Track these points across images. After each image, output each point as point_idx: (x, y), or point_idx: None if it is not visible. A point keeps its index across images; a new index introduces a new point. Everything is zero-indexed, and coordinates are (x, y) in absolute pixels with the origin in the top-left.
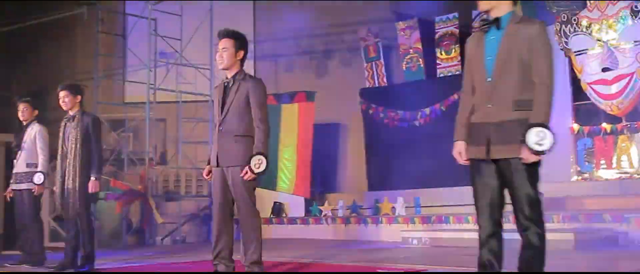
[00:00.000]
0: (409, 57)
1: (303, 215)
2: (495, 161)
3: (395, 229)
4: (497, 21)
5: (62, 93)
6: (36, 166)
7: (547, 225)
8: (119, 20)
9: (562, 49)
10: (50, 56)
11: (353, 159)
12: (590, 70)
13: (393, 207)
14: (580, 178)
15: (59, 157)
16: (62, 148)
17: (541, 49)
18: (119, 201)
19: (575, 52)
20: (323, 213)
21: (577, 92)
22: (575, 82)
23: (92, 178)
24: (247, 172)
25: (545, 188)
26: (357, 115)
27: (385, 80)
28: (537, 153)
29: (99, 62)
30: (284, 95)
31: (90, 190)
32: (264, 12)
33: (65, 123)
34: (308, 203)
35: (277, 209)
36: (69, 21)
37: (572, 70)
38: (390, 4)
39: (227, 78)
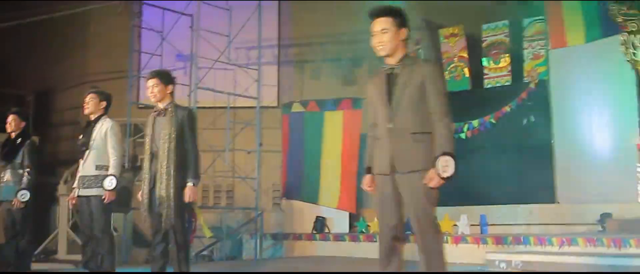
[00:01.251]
0: (453, 65)
1: (347, 230)
2: None
3: (465, 249)
4: None
5: (150, 82)
6: (107, 169)
7: (629, 250)
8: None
9: (629, 61)
10: (60, 54)
11: None
12: None
13: (455, 225)
14: None
15: (146, 159)
16: (151, 147)
17: None
18: None
19: None
20: (372, 230)
21: None
22: None
23: (189, 184)
24: (432, 178)
25: (612, 208)
26: None
27: None
28: None
29: (134, 58)
30: (328, 101)
31: (186, 199)
32: (289, 15)
33: (154, 118)
34: (352, 219)
35: (320, 224)
36: (80, 18)
37: (639, 84)
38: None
39: (387, 65)
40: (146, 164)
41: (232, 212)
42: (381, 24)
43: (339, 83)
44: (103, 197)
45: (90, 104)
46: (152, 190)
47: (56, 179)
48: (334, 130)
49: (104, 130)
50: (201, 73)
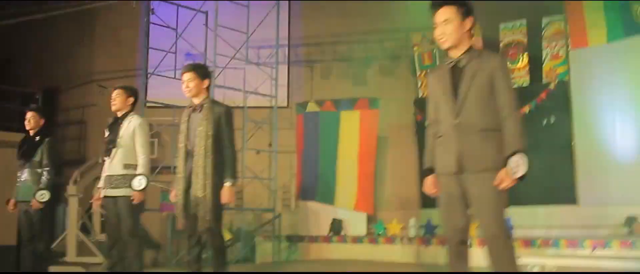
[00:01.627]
0: None
1: (364, 233)
2: None
3: None
4: None
5: (186, 76)
6: (135, 168)
7: None
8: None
9: None
10: (67, 52)
11: (398, 174)
12: None
13: (477, 227)
14: None
15: (181, 158)
16: (186, 145)
17: None
18: None
19: None
20: (390, 232)
21: None
22: None
23: (227, 184)
24: (504, 179)
25: (636, 210)
26: (399, 127)
27: None
28: None
29: (148, 56)
30: (344, 101)
31: (224, 200)
32: (299, 15)
33: (189, 115)
34: (369, 221)
35: (337, 226)
36: (87, 16)
37: None
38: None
39: (451, 57)
40: (180, 163)
41: (241, 213)
42: (444, 15)
43: (350, 83)
44: (131, 198)
45: (117, 100)
46: (187, 190)
47: (64, 179)
48: (351, 130)
49: (132, 128)
50: (215, 72)
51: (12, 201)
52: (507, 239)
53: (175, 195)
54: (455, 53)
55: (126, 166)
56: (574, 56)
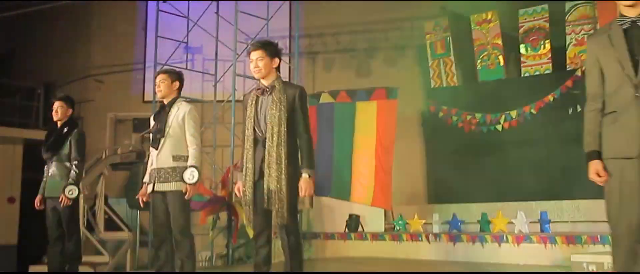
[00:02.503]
0: (485, 53)
1: (382, 229)
2: None
3: (529, 249)
4: None
5: (255, 55)
6: (185, 160)
7: None
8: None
9: None
10: (63, 46)
11: (402, 168)
12: None
13: (510, 222)
14: None
15: (249, 146)
16: (255, 132)
17: None
18: (204, 210)
19: None
20: (412, 229)
21: None
22: None
23: (305, 175)
24: None
25: None
26: (403, 119)
27: (455, 79)
28: None
29: (140, 50)
30: (360, 91)
31: (303, 193)
32: (301, 6)
33: (257, 98)
34: (387, 217)
35: (354, 223)
36: (83, 10)
37: None
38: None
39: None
40: (249, 152)
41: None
42: None
43: (353, 74)
44: (184, 192)
45: (162, 86)
46: (256, 182)
47: None
48: (367, 121)
49: (181, 115)
50: (227, 65)
51: (38, 198)
52: None
53: (241, 188)
54: (631, 13)
55: (176, 158)
56: None
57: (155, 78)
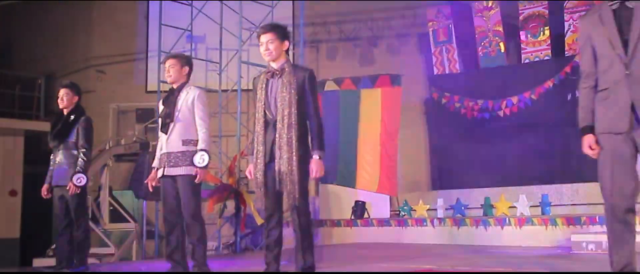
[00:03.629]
0: (487, 40)
1: (388, 215)
2: None
3: (530, 231)
4: None
5: (264, 37)
6: (195, 144)
7: None
8: None
9: None
10: (64, 37)
11: (407, 155)
12: None
13: (512, 206)
14: None
15: (260, 128)
16: (266, 114)
17: None
18: (212, 198)
19: None
20: (417, 214)
21: None
22: None
23: (315, 157)
24: None
25: None
26: (407, 107)
27: (457, 66)
28: None
29: (142, 40)
30: (364, 78)
31: (314, 174)
32: None
33: (266, 81)
34: (392, 203)
35: (360, 209)
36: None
37: None
38: None
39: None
40: (260, 135)
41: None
42: None
43: (356, 62)
44: (194, 175)
45: (172, 71)
46: (268, 165)
47: None
48: (372, 108)
49: (190, 99)
50: (230, 54)
51: (45, 187)
52: None
53: (253, 171)
54: None
55: (185, 142)
56: None
57: (164, 62)
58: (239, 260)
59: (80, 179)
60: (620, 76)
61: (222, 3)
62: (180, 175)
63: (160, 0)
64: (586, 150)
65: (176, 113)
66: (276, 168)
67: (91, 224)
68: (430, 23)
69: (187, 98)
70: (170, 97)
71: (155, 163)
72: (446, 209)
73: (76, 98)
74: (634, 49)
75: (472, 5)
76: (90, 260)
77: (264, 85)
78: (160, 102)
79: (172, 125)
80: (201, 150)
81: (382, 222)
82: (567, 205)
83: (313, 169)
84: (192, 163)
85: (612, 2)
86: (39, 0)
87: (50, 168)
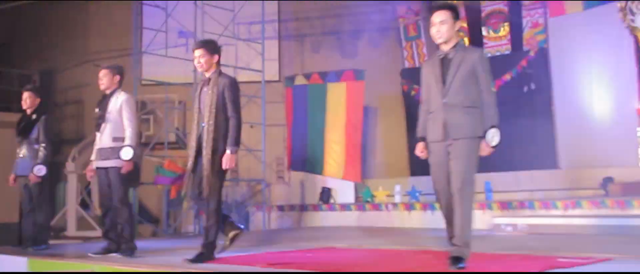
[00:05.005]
0: None
1: (353, 200)
2: None
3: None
4: None
5: (197, 52)
6: (123, 141)
7: (632, 211)
8: None
9: (627, 27)
10: (62, 34)
11: (387, 143)
12: None
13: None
14: None
15: (194, 128)
16: (198, 115)
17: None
18: (175, 185)
19: None
20: (377, 200)
21: None
22: None
23: (227, 152)
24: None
25: (613, 172)
26: (388, 98)
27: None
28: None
29: (137, 36)
30: (330, 73)
31: (223, 166)
32: None
33: (201, 89)
34: (358, 189)
35: (326, 195)
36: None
37: (637, 49)
38: None
39: (441, 50)
40: (193, 133)
41: (238, 185)
42: (440, 16)
43: (339, 56)
44: (121, 168)
45: (105, 79)
46: (197, 158)
47: (62, 157)
48: (338, 101)
49: (119, 103)
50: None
51: (12, 176)
52: (471, 192)
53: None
54: (445, 47)
55: (115, 139)
56: (553, 24)
57: (99, 71)
58: (183, 240)
59: (40, 170)
60: (440, 104)
61: (196, 6)
62: (110, 167)
63: (140, 0)
64: (418, 153)
65: (107, 115)
66: (199, 160)
67: (81, 210)
68: (401, 19)
69: (117, 102)
70: (103, 101)
71: (92, 157)
72: (403, 195)
73: (38, 100)
74: (449, 86)
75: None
76: (77, 242)
77: (198, 93)
78: (96, 106)
79: (103, 125)
80: (127, 145)
81: (344, 207)
82: (524, 190)
83: (224, 162)
84: (120, 157)
85: (439, 53)
86: (39, 1)
87: (16, 160)
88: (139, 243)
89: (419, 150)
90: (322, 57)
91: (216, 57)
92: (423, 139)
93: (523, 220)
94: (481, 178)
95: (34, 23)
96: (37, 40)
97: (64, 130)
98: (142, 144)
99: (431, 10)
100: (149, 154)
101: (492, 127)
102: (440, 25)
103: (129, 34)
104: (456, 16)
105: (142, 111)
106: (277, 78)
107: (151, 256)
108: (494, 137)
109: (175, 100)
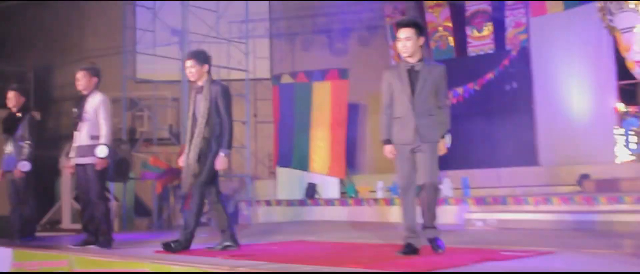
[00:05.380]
0: (438, 35)
1: (337, 196)
2: None
3: (448, 211)
4: None
5: (188, 63)
6: (99, 139)
7: (619, 206)
8: None
9: (606, 27)
10: (58, 32)
11: (376, 139)
12: (637, 47)
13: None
14: (628, 159)
15: (188, 131)
16: (193, 122)
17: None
18: (160, 181)
19: (621, 29)
20: (360, 195)
21: (622, 71)
22: (619, 61)
23: (220, 154)
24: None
25: (591, 169)
26: (376, 95)
27: None
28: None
29: (128, 35)
30: (316, 72)
31: (216, 167)
32: None
33: (195, 96)
34: (342, 185)
35: (311, 190)
36: None
37: (616, 49)
38: None
39: (408, 62)
40: (188, 136)
41: (231, 181)
42: (405, 33)
43: (329, 54)
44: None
45: (82, 81)
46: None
47: (58, 152)
48: (323, 99)
49: (95, 103)
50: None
51: (0, 172)
52: (437, 188)
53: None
54: (411, 60)
55: (92, 137)
56: (534, 24)
57: (77, 73)
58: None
59: (24, 165)
60: (409, 110)
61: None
62: (87, 163)
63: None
64: (387, 154)
65: (84, 115)
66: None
67: (74, 203)
68: (388, 18)
69: (93, 102)
70: (81, 102)
71: (71, 154)
72: (386, 191)
73: (23, 99)
74: (418, 95)
75: (423, 2)
76: (71, 234)
77: (192, 101)
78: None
79: (81, 124)
80: (102, 144)
81: (328, 202)
82: (506, 187)
83: (217, 163)
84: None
85: (406, 65)
86: (36, 1)
87: (3, 156)
88: (132, 236)
89: (389, 151)
90: (312, 55)
91: (206, 66)
92: (389, 141)
93: (494, 215)
94: (461, 175)
95: (29, 21)
96: (32, 39)
97: (61, 126)
98: (132, 140)
99: (397, 26)
100: (138, 150)
101: (448, 131)
102: (406, 41)
103: (122, 32)
104: (420, 32)
105: (135, 108)
106: (268, 76)
107: (126, 248)
108: (449, 140)
109: (169, 96)
